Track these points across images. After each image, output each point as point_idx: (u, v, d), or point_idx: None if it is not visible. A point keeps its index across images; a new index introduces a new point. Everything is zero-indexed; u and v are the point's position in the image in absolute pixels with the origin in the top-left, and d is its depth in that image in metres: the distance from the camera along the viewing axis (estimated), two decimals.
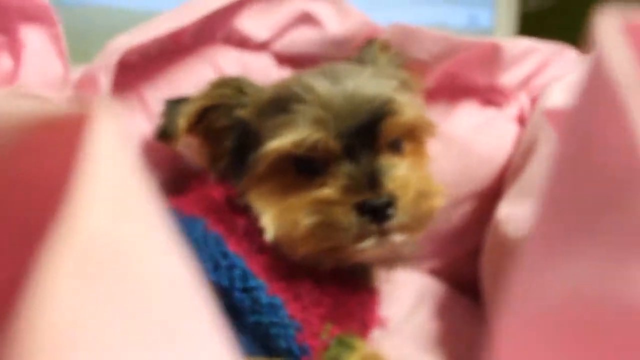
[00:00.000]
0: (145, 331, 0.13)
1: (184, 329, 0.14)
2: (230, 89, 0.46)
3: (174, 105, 0.46)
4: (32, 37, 0.47)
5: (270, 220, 0.43)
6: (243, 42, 0.57)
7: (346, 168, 0.41)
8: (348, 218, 0.40)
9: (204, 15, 0.52)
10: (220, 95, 0.46)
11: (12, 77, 0.46)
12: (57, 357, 0.11)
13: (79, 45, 0.54)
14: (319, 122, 0.41)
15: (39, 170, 0.16)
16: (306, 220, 0.41)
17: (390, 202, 0.41)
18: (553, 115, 0.53)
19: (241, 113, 0.45)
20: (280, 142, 0.42)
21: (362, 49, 0.54)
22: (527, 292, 0.17)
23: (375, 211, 0.40)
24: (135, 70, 0.53)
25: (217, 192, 0.46)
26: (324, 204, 0.41)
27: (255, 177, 0.44)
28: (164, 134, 0.46)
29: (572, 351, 0.15)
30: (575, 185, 0.16)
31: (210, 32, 0.56)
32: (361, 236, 0.41)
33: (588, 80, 0.16)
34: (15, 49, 0.47)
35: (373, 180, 0.41)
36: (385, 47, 0.54)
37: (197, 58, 0.55)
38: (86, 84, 0.48)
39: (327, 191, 0.41)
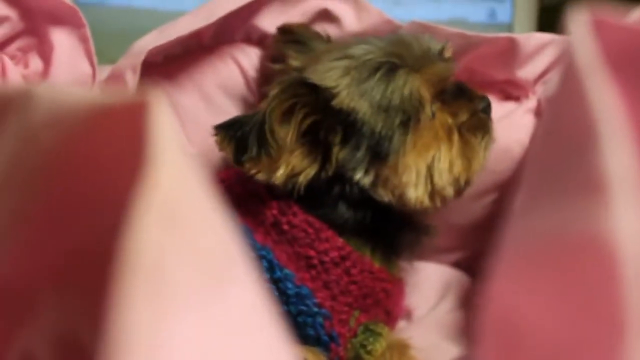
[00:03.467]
0: (206, 272, 0.16)
1: (235, 277, 0.17)
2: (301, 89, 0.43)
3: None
4: (61, 38, 0.49)
5: (426, 176, 0.46)
6: (263, 40, 0.58)
7: (451, 93, 0.49)
8: (486, 120, 0.50)
9: (224, 15, 0.53)
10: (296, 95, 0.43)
11: (42, 77, 0.48)
12: (147, 283, 0.14)
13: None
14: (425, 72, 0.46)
15: (102, 150, 0.17)
16: (471, 140, 0.48)
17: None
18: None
19: (339, 102, 0.44)
20: (424, 93, 0.45)
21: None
22: (516, 232, 0.21)
23: (489, 109, 0.50)
24: (158, 70, 0.54)
25: (240, 186, 0.47)
26: (464, 124, 0.48)
27: (408, 148, 0.45)
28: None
29: (550, 281, 0.19)
30: (551, 148, 0.22)
31: (230, 31, 0.57)
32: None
33: (563, 67, 0.21)
34: (45, 51, 0.48)
35: (471, 91, 0.50)
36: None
37: (219, 57, 0.56)
38: (113, 83, 0.49)
39: (460, 115, 0.48)
